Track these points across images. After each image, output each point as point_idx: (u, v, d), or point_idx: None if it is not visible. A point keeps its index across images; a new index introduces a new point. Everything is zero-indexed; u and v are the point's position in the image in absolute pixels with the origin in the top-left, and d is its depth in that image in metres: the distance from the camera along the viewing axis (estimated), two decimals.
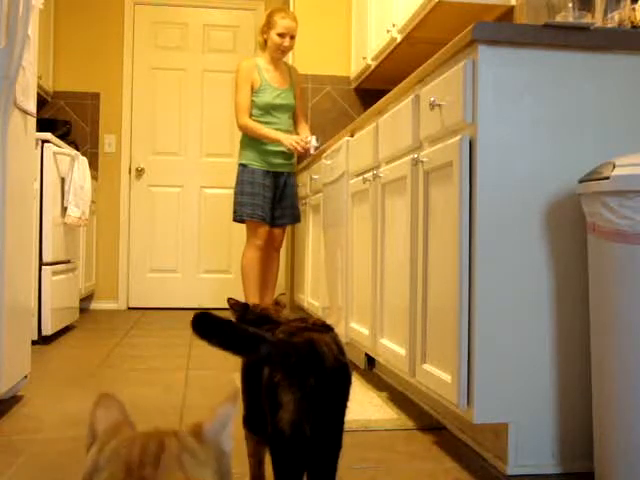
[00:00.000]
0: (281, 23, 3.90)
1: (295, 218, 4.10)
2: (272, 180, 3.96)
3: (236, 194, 3.97)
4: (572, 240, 1.72)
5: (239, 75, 3.98)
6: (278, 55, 4.00)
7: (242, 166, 3.97)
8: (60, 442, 1.94)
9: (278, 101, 3.97)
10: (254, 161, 3.93)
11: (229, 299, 1.58)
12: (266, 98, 3.94)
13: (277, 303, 1.60)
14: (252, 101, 3.96)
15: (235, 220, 4.01)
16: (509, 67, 1.71)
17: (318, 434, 1.19)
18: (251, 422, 1.43)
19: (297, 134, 4.03)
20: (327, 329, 1.31)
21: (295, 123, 4.11)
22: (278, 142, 3.86)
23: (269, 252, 4.05)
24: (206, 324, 1.13)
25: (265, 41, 4.01)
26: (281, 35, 3.91)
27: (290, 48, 4.01)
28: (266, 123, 3.94)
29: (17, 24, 2.07)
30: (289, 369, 1.17)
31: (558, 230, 1.72)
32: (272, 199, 3.98)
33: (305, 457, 1.20)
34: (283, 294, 1.70)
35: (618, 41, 1.76)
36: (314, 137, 3.88)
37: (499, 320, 1.69)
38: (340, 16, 4.87)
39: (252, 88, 3.95)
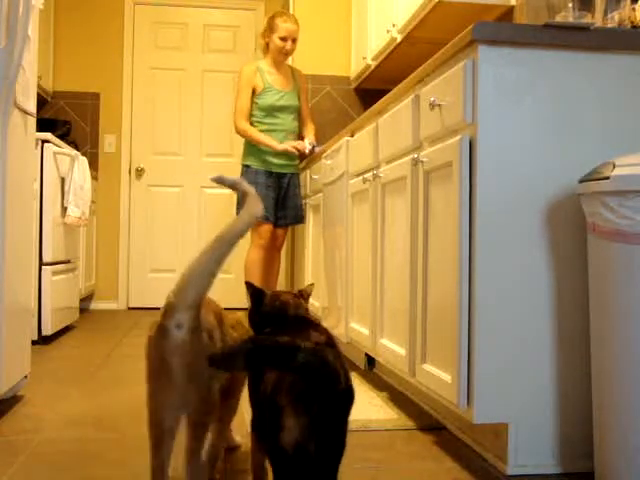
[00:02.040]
0: (283, 27, 3.94)
1: (298, 219, 4.12)
2: (275, 181, 3.98)
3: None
4: (572, 240, 1.72)
5: (241, 80, 4.01)
6: (280, 58, 4.03)
7: (245, 167, 4.00)
8: (60, 442, 1.94)
9: (281, 103, 3.99)
10: (257, 162, 3.96)
11: (247, 283, 1.52)
12: (269, 100, 3.97)
13: (301, 294, 1.52)
14: (255, 103, 3.99)
15: None
16: (509, 67, 1.71)
17: (321, 450, 1.16)
18: (260, 427, 1.32)
19: (302, 135, 4.08)
20: (330, 345, 1.27)
21: (301, 124, 4.15)
22: (272, 149, 3.90)
23: (271, 252, 4.06)
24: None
25: (267, 44, 4.04)
26: (283, 39, 3.94)
27: (292, 51, 4.04)
28: (270, 124, 3.96)
29: (17, 24, 2.07)
30: (313, 384, 1.11)
31: (558, 230, 1.72)
32: (275, 200, 4.00)
33: (308, 473, 1.16)
34: (312, 284, 1.61)
35: (618, 41, 1.76)
36: (307, 140, 3.96)
37: (499, 320, 1.69)
38: (340, 16, 4.87)
39: (255, 91, 3.99)
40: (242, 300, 4.85)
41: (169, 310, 1.30)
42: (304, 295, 1.53)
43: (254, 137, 3.94)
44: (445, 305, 1.84)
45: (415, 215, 2.12)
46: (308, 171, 4.22)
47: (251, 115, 4.01)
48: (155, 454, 1.32)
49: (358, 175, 2.90)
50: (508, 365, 1.69)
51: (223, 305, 1.60)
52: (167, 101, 5.56)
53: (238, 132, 4.01)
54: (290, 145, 3.92)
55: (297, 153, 3.96)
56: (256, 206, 1.35)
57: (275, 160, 3.96)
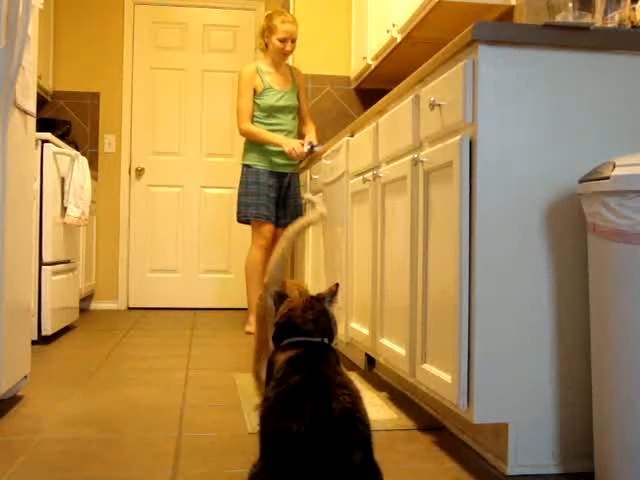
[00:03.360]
0: (282, 28, 3.92)
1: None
2: (276, 180, 3.97)
3: (240, 195, 3.98)
4: (572, 240, 1.72)
5: (241, 81, 4.00)
6: (280, 58, 4.02)
7: (246, 167, 3.99)
8: (60, 442, 1.94)
9: (281, 103, 3.99)
10: (258, 162, 3.95)
11: (277, 293, 1.53)
12: (269, 101, 3.96)
13: (316, 299, 1.51)
14: (256, 104, 3.98)
15: (240, 221, 4.01)
16: (509, 67, 1.71)
17: None
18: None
19: (302, 134, 4.07)
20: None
21: (300, 124, 4.14)
22: (279, 146, 3.88)
23: (271, 252, 4.06)
24: None
25: (266, 44, 4.03)
26: (283, 40, 3.92)
27: (292, 51, 4.03)
28: (270, 124, 3.96)
29: (17, 24, 2.07)
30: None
31: (558, 230, 1.72)
32: (276, 199, 3.99)
33: None
34: (336, 285, 1.56)
35: (618, 41, 1.76)
36: (307, 141, 3.94)
37: (499, 320, 1.69)
38: (340, 16, 4.87)
39: (255, 92, 3.98)
40: (242, 299, 4.85)
41: (265, 286, 1.97)
42: (324, 298, 1.49)
43: (260, 137, 3.92)
44: (445, 305, 1.84)
45: (415, 215, 2.12)
46: (308, 171, 4.22)
47: (252, 116, 4.00)
48: (257, 362, 2.02)
49: (358, 175, 2.90)
50: (508, 365, 1.69)
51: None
52: (167, 101, 5.56)
53: (242, 134, 4.00)
54: (293, 147, 3.88)
55: (296, 158, 3.93)
56: (317, 211, 2.08)
57: (277, 159, 3.96)
